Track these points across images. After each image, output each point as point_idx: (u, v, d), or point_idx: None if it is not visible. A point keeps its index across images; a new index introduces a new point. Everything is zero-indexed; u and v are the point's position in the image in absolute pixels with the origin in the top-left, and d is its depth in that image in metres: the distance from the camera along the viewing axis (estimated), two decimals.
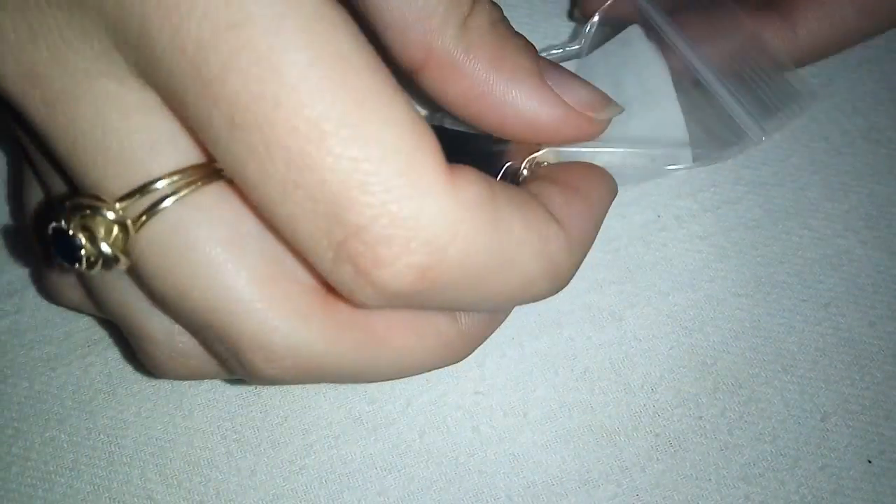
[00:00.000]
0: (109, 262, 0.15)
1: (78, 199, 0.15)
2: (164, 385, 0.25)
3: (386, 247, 0.14)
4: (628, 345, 0.26)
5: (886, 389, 0.25)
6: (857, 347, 0.26)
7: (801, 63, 0.25)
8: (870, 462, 0.25)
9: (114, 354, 0.25)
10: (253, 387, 0.25)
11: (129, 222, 0.15)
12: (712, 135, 0.23)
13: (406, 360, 0.18)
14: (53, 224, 0.15)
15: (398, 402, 0.25)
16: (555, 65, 0.21)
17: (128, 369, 0.25)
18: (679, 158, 0.23)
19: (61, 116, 0.15)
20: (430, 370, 0.19)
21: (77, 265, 0.15)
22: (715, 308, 0.26)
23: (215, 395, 0.25)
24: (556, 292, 0.19)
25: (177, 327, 0.18)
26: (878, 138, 0.29)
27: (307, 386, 0.25)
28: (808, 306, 0.26)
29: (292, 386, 0.25)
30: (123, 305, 0.18)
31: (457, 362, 0.19)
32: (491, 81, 0.19)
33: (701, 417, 0.25)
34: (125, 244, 0.15)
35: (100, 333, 0.25)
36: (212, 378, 0.22)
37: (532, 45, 0.20)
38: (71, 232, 0.15)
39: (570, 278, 0.19)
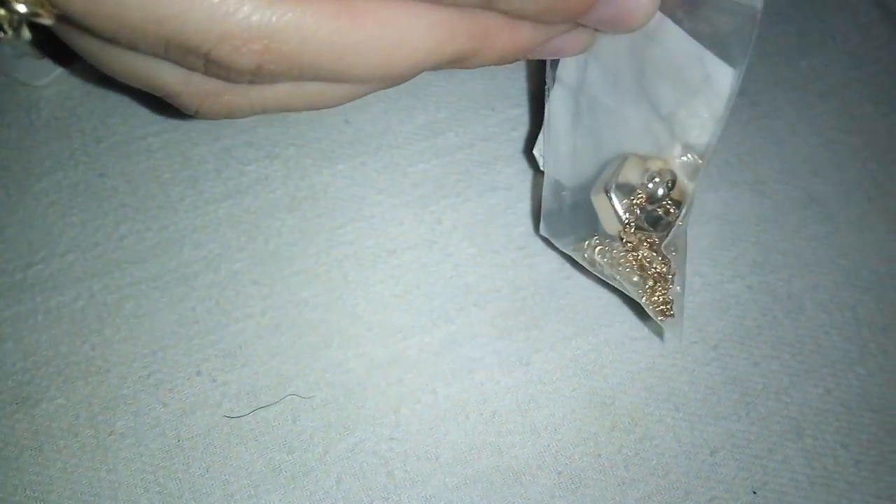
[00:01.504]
0: (31, 18, 0.15)
1: None
2: (88, 440, 0.25)
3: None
4: (534, 388, 0.27)
5: (770, 424, 0.27)
6: (743, 385, 0.27)
7: None
8: (755, 493, 0.26)
9: (40, 411, 0.25)
10: (175, 439, 0.25)
11: None
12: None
13: (394, 37, 0.17)
14: None
15: (316, 450, 0.26)
16: None
17: (54, 426, 0.25)
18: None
19: None
20: (420, 57, 0.18)
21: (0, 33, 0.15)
22: (613, 351, 0.28)
23: (139, 448, 0.25)
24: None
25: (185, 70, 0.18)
26: (763, 190, 0.31)
27: (228, 436, 0.25)
28: (699, 348, 0.28)
29: (212, 437, 0.25)
30: (128, 69, 0.19)
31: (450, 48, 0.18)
32: None
33: (600, 455, 0.26)
34: None
35: (27, 391, 0.26)
36: (254, 111, 0.21)
37: None
38: None
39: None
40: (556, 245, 0.26)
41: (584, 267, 0.27)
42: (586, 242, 0.25)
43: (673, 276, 0.23)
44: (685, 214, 0.23)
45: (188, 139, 0.30)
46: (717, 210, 0.30)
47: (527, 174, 0.30)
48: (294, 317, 0.27)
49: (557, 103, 0.24)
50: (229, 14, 0.16)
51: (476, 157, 0.31)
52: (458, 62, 0.19)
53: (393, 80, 0.19)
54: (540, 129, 0.26)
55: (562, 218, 0.26)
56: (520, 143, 0.31)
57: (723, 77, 0.20)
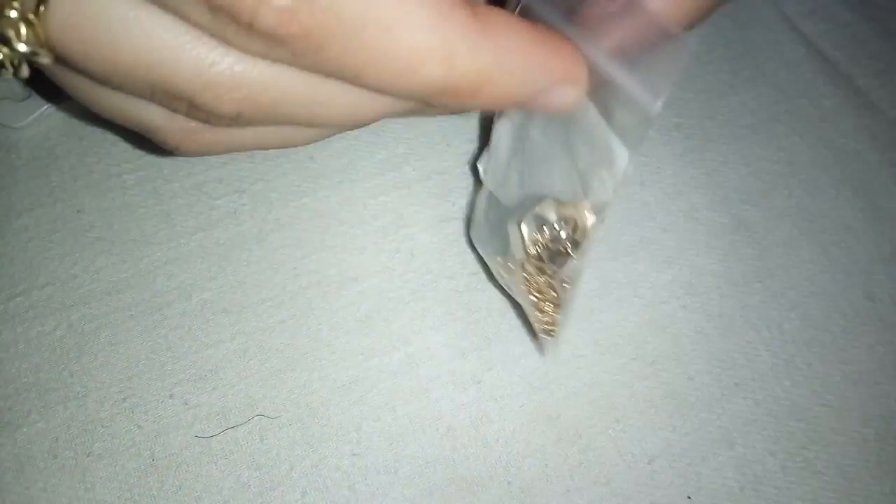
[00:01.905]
0: (31, 58, 0.16)
1: None
2: (68, 461, 0.27)
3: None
4: (486, 404, 0.29)
5: (703, 434, 0.29)
6: (678, 398, 0.29)
7: (690, 24, 0.24)
8: (689, 498, 0.28)
9: (22, 435, 0.27)
10: (150, 459, 0.27)
11: (30, 15, 0.16)
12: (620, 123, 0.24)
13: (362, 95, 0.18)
14: None
15: (282, 466, 0.27)
16: None
17: (35, 448, 0.27)
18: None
19: None
20: (384, 108, 0.19)
21: (1, 70, 0.16)
22: (559, 369, 0.30)
23: (115, 468, 0.27)
24: (447, 85, 0.18)
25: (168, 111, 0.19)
26: (697, 217, 0.33)
27: (199, 455, 0.27)
28: (637, 364, 0.30)
29: (185, 456, 0.27)
30: (115, 108, 0.20)
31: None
32: None
33: (547, 465, 0.28)
34: (40, 38, 0.16)
35: (9, 416, 0.27)
36: (230, 149, 0.22)
37: None
38: None
39: (469, 76, 0.18)
40: (477, 250, 0.29)
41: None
42: (498, 258, 0.27)
43: (560, 304, 0.26)
44: (581, 254, 0.25)
45: (161, 176, 0.32)
46: (654, 236, 0.32)
47: None
48: (261, 342, 0.29)
49: (502, 131, 0.27)
50: (214, 64, 0.17)
51: (432, 190, 0.33)
52: (418, 113, 0.21)
53: (359, 125, 0.21)
54: (486, 146, 0.28)
55: (486, 229, 0.28)
56: (472, 177, 0.33)
57: (620, 157, 0.23)
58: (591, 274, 0.31)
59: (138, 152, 0.32)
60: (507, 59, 0.18)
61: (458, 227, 0.32)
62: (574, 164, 0.24)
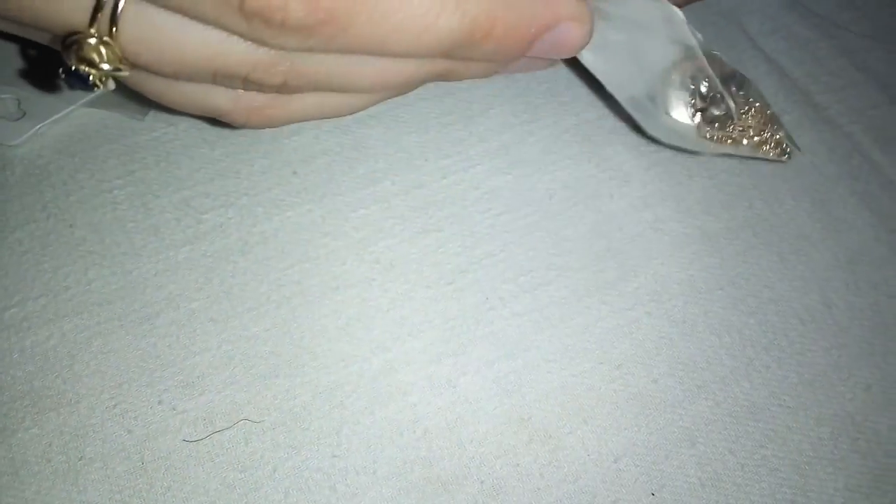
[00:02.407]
0: (114, 73, 0.20)
1: (66, 41, 0.20)
2: (60, 465, 0.28)
3: None
4: (461, 407, 0.30)
5: (666, 434, 0.30)
6: (643, 400, 0.31)
7: None
8: (653, 495, 0.29)
9: (16, 441, 0.28)
10: (139, 462, 0.28)
11: (106, 38, 0.19)
12: None
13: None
14: (61, 69, 0.20)
15: (266, 468, 0.28)
16: None
17: (29, 454, 0.28)
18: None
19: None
20: (415, 74, 0.24)
21: (95, 88, 0.20)
22: (531, 373, 0.31)
23: (106, 471, 0.28)
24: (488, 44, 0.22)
25: (234, 91, 0.23)
26: (662, 228, 0.34)
27: (186, 458, 0.28)
28: (605, 367, 0.31)
29: (173, 460, 0.28)
30: (188, 98, 0.24)
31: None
32: None
33: (518, 465, 0.29)
34: (118, 55, 0.20)
35: (4, 423, 0.28)
36: (290, 120, 0.26)
37: None
38: (73, 67, 0.20)
39: (479, 19, 0.21)
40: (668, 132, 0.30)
41: (504, 297, 0.30)
42: (691, 133, 0.28)
43: (771, 121, 0.28)
44: (738, 79, 0.27)
45: (150, 191, 0.33)
46: (621, 247, 0.33)
47: (455, 217, 0.33)
48: (246, 349, 0.30)
49: (588, 58, 0.28)
50: (258, 49, 0.21)
51: (410, 203, 0.34)
52: (444, 77, 0.25)
53: (397, 89, 0.25)
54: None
55: (659, 124, 0.29)
56: (448, 190, 0.34)
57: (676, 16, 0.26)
58: (560, 282, 0.32)
59: (128, 168, 0.34)
60: None
61: (436, 238, 0.33)
62: (659, 36, 0.27)
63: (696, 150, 0.30)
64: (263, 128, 0.27)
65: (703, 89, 0.27)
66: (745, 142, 0.28)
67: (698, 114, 0.28)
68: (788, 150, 0.28)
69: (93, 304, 0.31)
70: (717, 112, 0.28)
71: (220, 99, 0.24)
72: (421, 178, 0.35)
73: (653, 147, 0.36)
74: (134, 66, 0.21)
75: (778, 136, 0.28)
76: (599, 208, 0.34)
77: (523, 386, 0.30)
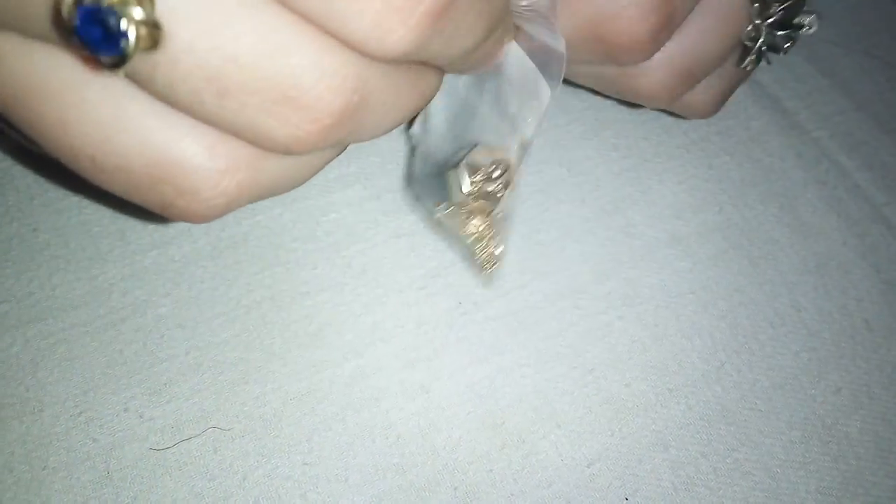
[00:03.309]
0: (154, 39, 0.14)
1: None
2: (23, 475, 0.27)
3: None
4: (434, 413, 0.29)
5: (639, 438, 0.30)
6: (616, 404, 0.30)
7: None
8: (627, 499, 0.29)
9: None
10: (105, 471, 0.27)
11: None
12: None
13: None
14: (76, 17, 0.13)
15: (235, 477, 0.27)
16: None
17: None
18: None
19: None
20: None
21: (126, 54, 0.14)
22: (504, 378, 0.30)
23: (71, 481, 0.27)
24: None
25: (211, 134, 0.17)
26: (633, 232, 0.34)
27: (154, 467, 0.27)
28: (577, 372, 0.31)
29: (139, 469, 0.27)
30: (140, 138, 0.17)
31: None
32: None
33: (491, 470, 0.29)
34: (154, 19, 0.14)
35: None
36: (266, 191, 0.20)
37: None
38: (110, 14, 0.13)
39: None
40: (418, 204, 0.32)
41: (477, 301, 0.30)
42: (439, 206, 0.29)
43: (499, 238, 0.29)
44: (510, 191, 0.28)
45: (120, 208, 0.32)
46: (593, 251, 0.33)
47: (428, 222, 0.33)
48: (215, 356, 0.29)
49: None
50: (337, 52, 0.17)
51: (382, 207, 0.33)
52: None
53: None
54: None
55: (423, 184, 0.30)
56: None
57: (544, 92, 0.26)
58: (533, 286, 0.32)
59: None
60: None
61: (408, 242, 0.32)
62: (502, 110, 0.27)
63: (430, 216, 0.31)
64: (221, 208, 0.19)
65: (493, 174, 0.28)
66: (469, 240, 0.29)
67: (473, 187, 0.28)
68: (493, 267, 0.30)
69: (57, 309, 0.29)
70: (483, 199, 0.29)
71: (190, 145, 0.17)
72: (393, 182, 0.34)
73: (622, 152, 0.36)
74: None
75: (496, 252, 0.29)
76: (571, 212, 0.34)
77: (496, 391, 0.30)
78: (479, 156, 0.28)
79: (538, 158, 0.36)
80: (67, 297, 0.30)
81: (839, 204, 0.36)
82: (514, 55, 0.26)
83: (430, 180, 0.30)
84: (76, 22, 0.13)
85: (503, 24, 0.21)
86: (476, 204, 0.28)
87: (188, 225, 0.32)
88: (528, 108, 0.26)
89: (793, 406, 0.31)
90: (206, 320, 0.30)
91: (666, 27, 0.26)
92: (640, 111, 0.37)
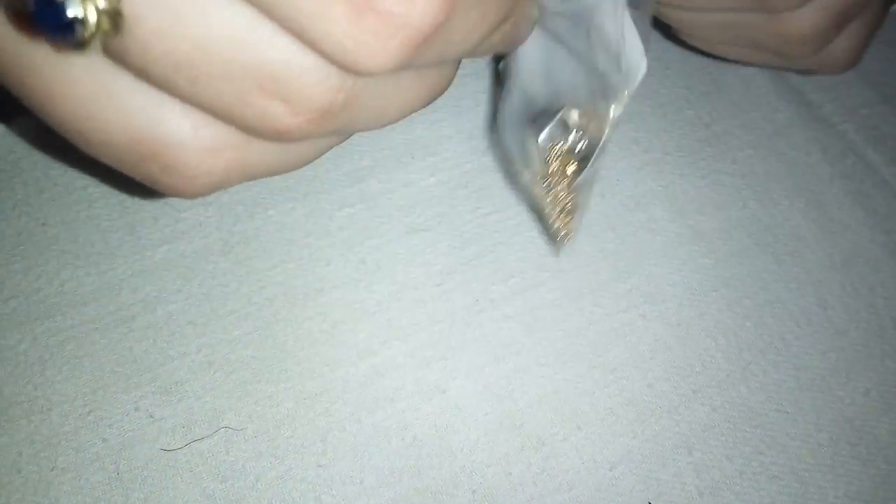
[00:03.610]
0: (114, 25, 0.14)
1: None
2: (31, 476, 0.26)
3: None
4: (451, 413, 0.29)
5: (663, 441, 0.29)
6: (638, 406, 0.29)
7: None
8: (650, 503, 0.28)
9: None
10: (115, 472, 0.26)
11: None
12: None
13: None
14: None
15: (248, 478, 0.27)
16: None
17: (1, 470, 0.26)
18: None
19: None
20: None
21: (81, 41, 0.13)
22: (523, 377, 0.29)
23: (80, 482, 0.26)
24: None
25: (196, 115, 0.17)
26: (654, 228, 0.33)
27: (164, 468, 0.26)
28: (598, 372, 0.30)
29: (150, 470, 0.26)
30: (126, 114, 0.17)
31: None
32: None
33: (510, 473, 0.28)
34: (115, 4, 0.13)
35: None
36: (250, 174, 0.19)
37: None
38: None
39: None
40: (499, 151, 0.30)
41: (495, 298, 0.29)
42: (518, 164, 0.28)
43: (575, 210, 0.27)
44: (595, 159, 0.26)
45: (127, 188, 0.31)
46: (614, 247, 0.32)
47: (443, 217, 0.32)
48: (227, 354, 0.28)
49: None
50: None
51: (396, 202, 0.32)
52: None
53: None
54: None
55: (509, 129, 0.28)
56: (436, 189, 0.32)
57: (639, 64, 0.24)
58: (552, 284, 0.31)
59: (105, 164, 0.32)
60: None
61: (423, 238, 0.31)
62: (591, 65, 0.25)
63: (516, 162, 0.29)
64: (208, 186, 0.18)
65: (579, 144, 0.26)
66: (549, 203, 0.28)
67: (556, 154, 0.27)
68: (567, 239, 0.28)
69: (66, 306, 0.29)
70: (564, 169, 0.27)
71: (175, 123, 0.16)
72: (408, 176, 0.33)
73: (643, 145, 0.35)
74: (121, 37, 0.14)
75: (572, 223, 0.28)
76: (590, 208, 0.33)
77: (515, 391, 0.29)
78: (567, 117, 0.26)
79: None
80: (76, 293, 0.29)
81: (866, 199, 0.35)
82: (612, 13, 0.23)
83: (517, 127, 0.28)
84: (33, 8, 0.13)
85: (514, 12, 0.20)
86: (556, 170, 0.26)
87: (199, 220, 0.31)
88: (617, 76, 0.24)
89: (820, 408, 0.30)
90: (218, 317, 0.29)
91: (845, 14, 0.24)
92: (661, 104, 0.36)
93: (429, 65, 0.18)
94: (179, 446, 0.27)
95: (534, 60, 0.27)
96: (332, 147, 0.21)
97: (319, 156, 0.21)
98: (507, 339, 0.30)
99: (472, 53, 0.19)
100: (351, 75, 0.17)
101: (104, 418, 0.27)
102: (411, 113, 0.20)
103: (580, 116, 0.26)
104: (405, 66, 0.16)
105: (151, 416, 0.27)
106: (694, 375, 0.30)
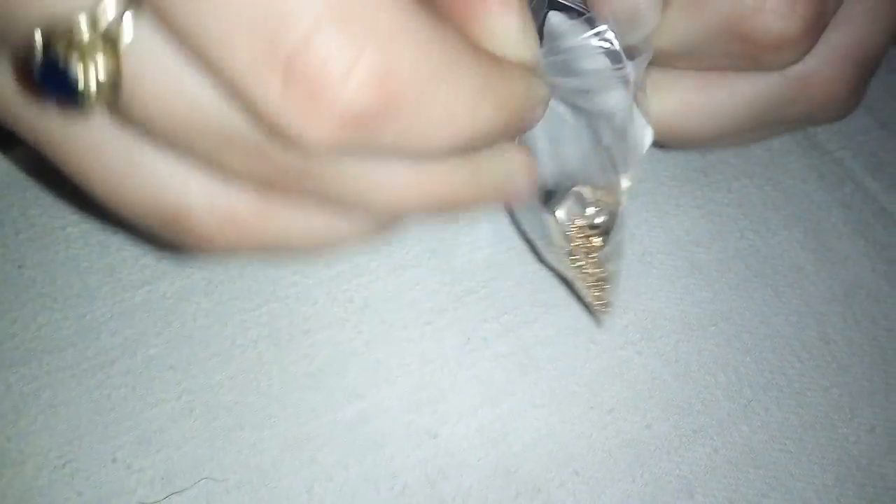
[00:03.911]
0: (112, 89, 0.14)
1: (47, 29, 0.14)
2: None
3: (338, 54, 0.13)
4: (442, 459, 0.27)
5: (663, 484, 0.28)
6: (637, 448, 0.28)
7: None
8: None
9: None
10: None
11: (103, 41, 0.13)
12: None
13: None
14: (38, 65, 0.14)
15: None
16: None
17: None
18: None
19: None
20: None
21: (82, 100, 0.14)
22: (517, 420, 0.28)
23: None
24: (509, 128, 0.18)
25: (212, 185, 0.17)
26: (650, 260, 0.32)
27: None
28: (595, 413, 0.28)
29: None
30: (142, 186, 0.17)
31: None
32: None
33: None
34: (116, 69, 0.14)
35: None
36: (270, 242, 0.19)
37: None
38: (62, 60, 0.13)
39: (527, 112, 0.18)
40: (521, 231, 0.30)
41: (487, 337, 0.28)
42: (540, 242, 0.28)
43: (607, 280, 0.27)
44: (616, 231, 0.26)
45: (107, 227, 0.30)
46: None
47: (433, 253, 0.31)
48: (208, 400, 0.27)
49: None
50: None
51: (385, 238, 0.31)
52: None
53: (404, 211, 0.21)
54: None
55: (525, 212, 0.28)
56: (425, 224, 0.31)
57: (645, 134, 0.24)
58: (546, 320, 0.30)
59: (83, 204, 0.31)
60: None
61: (413, 274, 0.30)
62: (599, 140, 0.24)
63: (542, 243, 0.29)
64: (226, 250, 0.18)
65: (596, 219, 0.26)
66: (581, 277, 0.27)
67: (577, 231, 0.26)
68: (607, 308, 0.28)
69: (42, 351, 0.27)
70: (591, 235, 0.26)
71: (192, 193, 0.17)
72: None
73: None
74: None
75: (607, 294, 0.28)
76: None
77: (509, 434, 0.28)
78: (581, 192, 0.26)
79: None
80: (53, 337, 0.28)
81: (866, 228, 0.34)
82: (616, 92, 0.23)
83: (531, 208, 0.27)
84: (38, 72, 0.14)
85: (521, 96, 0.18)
86: (580, 246, 0.26)
87: (182, 259, 0.30)
88: (624, 149, 0.24)
89: (825, 446, 0.29)
90: (200, 361, 0.28)
91: (818, 19, 0.22)
92: None
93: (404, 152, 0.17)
94: (159, 499, 0.25)
95: (539, 138, 0.26)
96: (358, 238, 0.21)
97: (342, 241, 0.20)
98: (500, 379, 0.29)
99: (478, 141, 0.18)
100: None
101: (80, 470, 0.26)
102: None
103: (593, 191, 0.26)
104: (354, 147, 0.15)
105: (129, 468, 0.26)
106: (694, 415, 0.29)
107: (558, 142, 0.26)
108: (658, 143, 0.25)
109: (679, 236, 0.33)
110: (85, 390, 0.27)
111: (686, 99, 0.24)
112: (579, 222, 0.26)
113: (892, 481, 0.29)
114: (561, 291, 0.31)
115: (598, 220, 0.26)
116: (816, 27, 0.22)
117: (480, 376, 0.29)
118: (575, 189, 0.26)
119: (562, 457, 0.28)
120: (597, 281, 0.27)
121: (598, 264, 0.26)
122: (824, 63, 0.24)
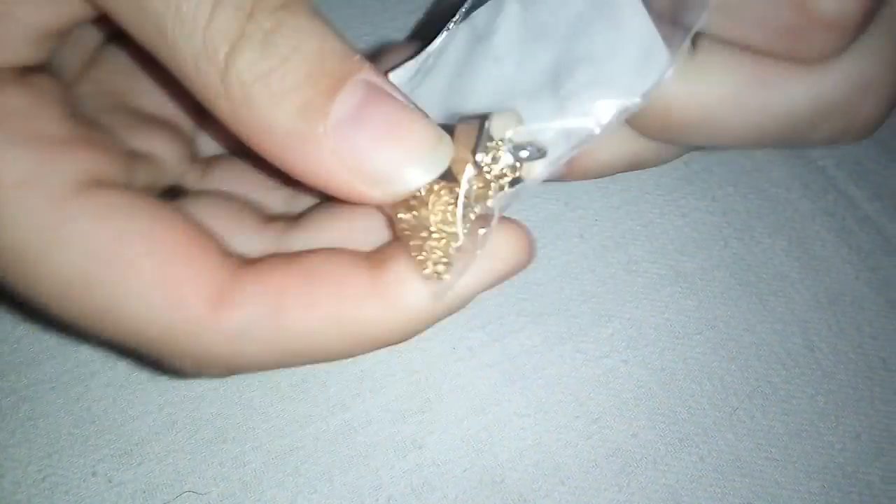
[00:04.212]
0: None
1: None
2: None
3: None
4: (428, 470, 0.27)
5: (649, 493, 0.27)
6: (623, 456, 0.28)
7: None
8: None
9: None
10: None
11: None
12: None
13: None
14: None
15: None
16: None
17: None
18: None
19: None
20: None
21: None
22: (502, 429, 0.28)
23: None
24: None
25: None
26: (635, 269, 0.32)
27: None
28: (581, 422, 0.28)
29: None
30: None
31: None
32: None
33: None
34: None
35: None
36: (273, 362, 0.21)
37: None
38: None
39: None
40: None
41: (473, 346, 0.27)
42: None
43: (464, 246, 0.19)
44: (521, 186, 0.20)
45: None
46: (594, 289, 0.30)
47: None
48: (190, 412, 0.27)
49: (457, 40, 0.22)
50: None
51: None
52: None
53: None
54: None
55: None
56: None
57: (657, 55, 0.18)
58: (532, 330, 0.29)
59: None
60: None
61: None
62: (554, 86, 0.20)
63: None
64: (225, 373, 0.21)
65: (516, 164, 0.20)
66: (434, 223, 0.19)
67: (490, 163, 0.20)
68: (443, 275, 0.19)
69: (21, 364, 0.27)
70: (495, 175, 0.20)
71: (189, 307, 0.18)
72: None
73: (621, 184, 0.34)
74: None
75: (454, 259, 0.19)
76: (570, 249, 0.31)
77: (495, 444, 0.27)
78: (504, 125, 0.19)
79: (532, 192, 0.33)
80: (32, 350, 0.27)
81: (850, 236, 0.34)
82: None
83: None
84: None
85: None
86: (477, 175, 0.19)
87: None
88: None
89: (810, 454, 0.29)
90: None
91: (871, 12, 0.20)
92: None
93: None
94: None
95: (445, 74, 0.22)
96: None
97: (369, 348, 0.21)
98: (486, 388, 0.28)
99: None
100: None
101: (60, 484, 0.25)
102: None
103: (521, 130, 0.20)
104: None
105: (110, 481, 0.25)
106: (680, 423, 0.29)
107: (484, 64, 0.21)
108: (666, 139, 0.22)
109: (663, 245, 0.33)
110: (64, 403, 0.27)
111: (741, 88, 0.21)
112: (497, 152, 0.19)
113: (878, 488, 0.28)
114: (547, 300, 0.30)
115: (523, 155, 0.20)
116: (867, 19, 0.21)
117: (466, 386, 0.28)
118: (502, 114, 0.19)
119: (548, 466, 0.27)
120: (450, 238, 0.19)
121: (472, 220, 0.20)
122: (883, 73, 0.22)
